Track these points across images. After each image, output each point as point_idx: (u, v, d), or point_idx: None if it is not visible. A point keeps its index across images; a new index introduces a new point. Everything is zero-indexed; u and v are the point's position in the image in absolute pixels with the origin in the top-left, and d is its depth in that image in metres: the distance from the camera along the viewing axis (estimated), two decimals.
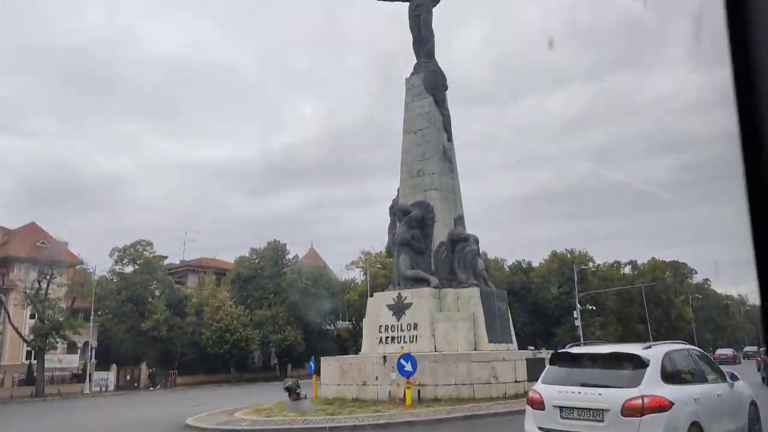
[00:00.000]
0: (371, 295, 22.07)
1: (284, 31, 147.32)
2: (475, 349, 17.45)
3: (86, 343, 54.05)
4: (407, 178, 21.04)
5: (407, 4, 22.58)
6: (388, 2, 23.22)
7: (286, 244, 65.81)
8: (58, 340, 45.08)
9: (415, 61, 22.31)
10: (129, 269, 56.59)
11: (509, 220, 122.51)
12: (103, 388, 49.53)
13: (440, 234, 19.71)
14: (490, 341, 17.97)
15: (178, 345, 56.14)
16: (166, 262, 67.50)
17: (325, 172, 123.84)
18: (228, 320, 55.77)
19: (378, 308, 19.28)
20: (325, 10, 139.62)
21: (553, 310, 65.22)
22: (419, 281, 18.91)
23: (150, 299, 55.68)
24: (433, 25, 22.28)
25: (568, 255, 67.09)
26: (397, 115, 22.03)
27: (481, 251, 21.15)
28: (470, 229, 20.88)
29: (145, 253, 57.38)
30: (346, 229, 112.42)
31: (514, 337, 19.84)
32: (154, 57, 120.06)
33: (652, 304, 73.27)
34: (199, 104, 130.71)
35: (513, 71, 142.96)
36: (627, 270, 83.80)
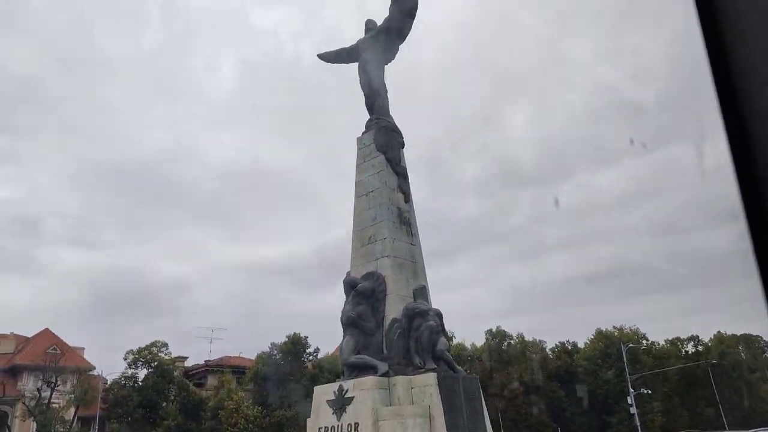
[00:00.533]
0: None
1: (330, 132, 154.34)
2: None
3: None
4: (359, 246, 18.28)
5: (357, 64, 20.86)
6: (340, 63, 21.62)
7: (307, 337, 62.70)
8: None
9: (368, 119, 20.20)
10: (143, 372, 54.46)
11: (559, 300, 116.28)
12: None
13: (394, 309, 16.51)
14: None
15: None
16: (191, 362, 65.34)
17: None
18: (243, 423, 52.06)
19: (319, 405, 15.90)
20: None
21: (605, 396, 58.27)
22: (365, 369, 15.55)
23: (164, 404, 52.86)
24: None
25: (616, 333, 60.79)
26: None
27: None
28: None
29: (160, 355, 55.35)
30: None
31: None
32: (213, 167, 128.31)
33: (721, 384, 64.84)
34: (255, 207, 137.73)
35: (559, 150, 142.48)
36: (689, 347, 75.55)
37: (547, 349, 65.46)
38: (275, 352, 60.22)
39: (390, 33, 20.54)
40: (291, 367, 58.42)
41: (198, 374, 64.30)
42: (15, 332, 51.83)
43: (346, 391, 15.13)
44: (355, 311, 16.52)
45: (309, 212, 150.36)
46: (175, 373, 56.08)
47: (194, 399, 55.82)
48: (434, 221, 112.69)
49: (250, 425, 51.88)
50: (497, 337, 60.43)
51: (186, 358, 64.95)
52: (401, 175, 19.12)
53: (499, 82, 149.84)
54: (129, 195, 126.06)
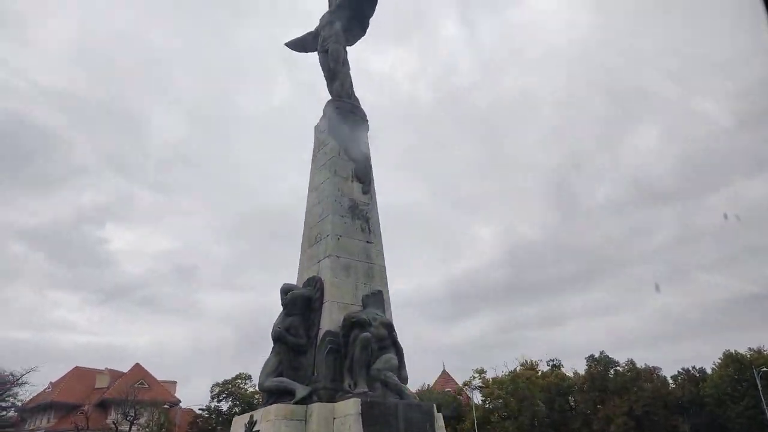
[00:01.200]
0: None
1: (452, 161, 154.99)
2: None
3: None
4: (306, 247, 15.49)
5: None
6: (302, 52, 19.29)
7: None
8: None
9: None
10: (226, 405, 54.51)
11: (715, 325, 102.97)
12: None
13: (331, 321, 13.41)
14: None
15: None
16: None
17: (509, 292, 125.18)
18: None
19: None
20: (489, 137, 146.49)
21: (738, 430, 48.58)
22: (283, 395, 12.51)
23: None
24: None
25: (748, 356, 50.85)
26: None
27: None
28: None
29: (243, 387, 55.21)
30: (532, 350, 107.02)
31: None
32: None
33: None
34: (385, 242, 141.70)
35: (698, 163, 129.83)
36: None
37: (668, 377, 56.44)
38: None
39: (345, 8, 17.92)
40: None
41: None
42: (111, 368, 54.54)
43: (255, 423, 12.17)
44: (283, 324, 13.61)
45: (436, 244, 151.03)
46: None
47: None
48: (570, 244, 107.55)
49: None
50: (601, 363, 53.06)
51: None
52: (359, 161, 16.10)
53: (622, 100, 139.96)
54: (269, 239, 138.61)
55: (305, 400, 12.15)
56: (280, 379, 12.72)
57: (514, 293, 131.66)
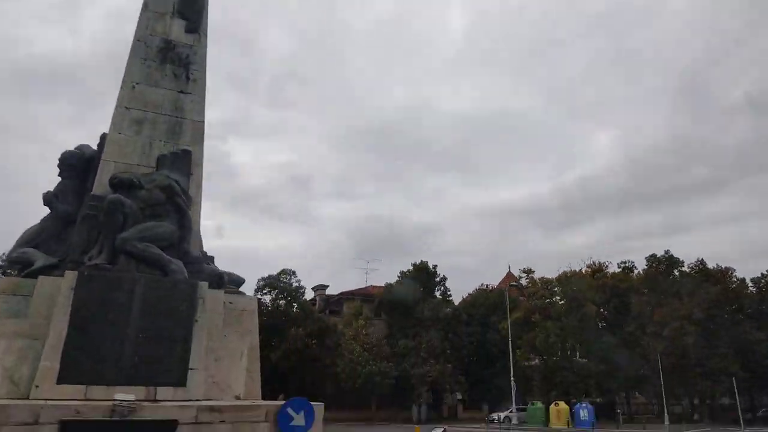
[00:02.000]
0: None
1: (569, 66, 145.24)
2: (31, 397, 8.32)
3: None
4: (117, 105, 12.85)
5: None
6: None
7: (436, 266, 57.58)
8: None
9: None
10: (269, 298, 55.83)
11: None
12: None
13: (104, 183, 10.99)
14: (64, 380, 8.62)
15: (317, 377, 52.41)
16: (336, 290, 65.44)
17: (627, 200, 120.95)
18: (358, 351, 50.06)
19: None
20: (613, 37, 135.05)
21: None
22: (27, 267, 10.49)
23: (290, 329, 53.43)
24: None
25: None
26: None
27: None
28: None
29: (284, 281, 55.99)
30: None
31: (199, 379, 9.58)
32: (450, 117, 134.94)
33: None
34: (493, 151, 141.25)
35: None
36: None
37: (747, 280, 49.57)
38: (403, 281, 56.57)
39: None
40: (415, 297, 54.25)
41: (334, 302, 64.44)
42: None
43: None
44: (58, 187, 11.47)
45: (549, 153, 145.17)
46: (304, 299, 56.34)
47: (321, 325, 55.62)
48: (693, 150, 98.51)
49: (366, 353, 49.64)
50: (663, 263, 47.29)
51: (327, 286, 65.52)
52: None
53: None
54: (379, 152, 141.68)
55: (43, 272, 10.07)
56: (26, 249, 10.69)
57: (633, 201, 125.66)
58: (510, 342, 45.80)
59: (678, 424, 44.62)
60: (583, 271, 56.43)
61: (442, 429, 46.35)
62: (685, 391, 44.28)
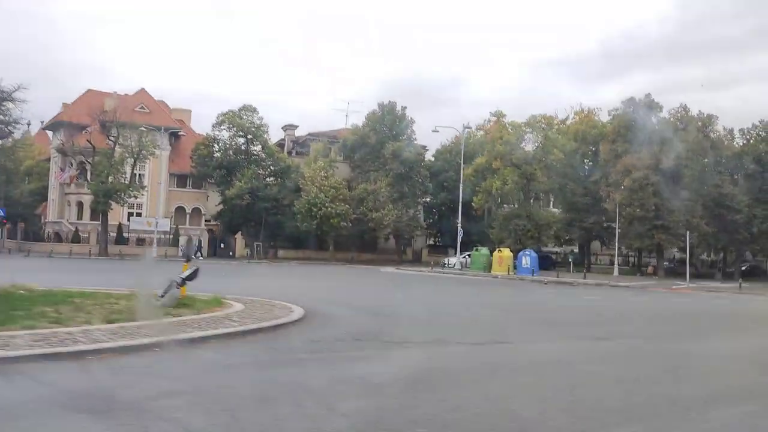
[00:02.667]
0: None
1: None
2: None
3: (179, 209, 54.20)
4: None
5: None
6: None
7: (405, 108, 53.86)
8: (119, 200, 45.30)
9: None
10: (228, 134, 53.58)
11: None
12: (198, 255, 48.49)
13: None
14: None
15: (278, 218, 51.77)
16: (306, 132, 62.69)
17: (672, 50, 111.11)
18: (315, 192, 48.63)
19: None
20: None
21: None
22: None
23: (250, 169, 51.76)
24: None
25: None
26: None
27: None
28: None
29: (244, 118, 53.22)
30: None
31: None
32: None
33: None
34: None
35: None
36: None
37: (735, 131, 45.27)
38: (369, 122, 53.30)
39: None
40: (379, 138, 51.41)
41: (303, 143, 62.01)
42: (119, 92, 54.68)
43: None
44: None
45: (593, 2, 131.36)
46: (266, 137, 53.92)
47: (283, 165, 53.83)
48: None
49: (322, 195, 48.20)
50: (641, 108, 42.92)
51: (296, 126, 62.64)
52: None
53: None
54: None
55: None
56: None
57: (677, 52, 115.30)
58: (461, 187, 43.61)
59: (631, 275, 43.60)
60: (571, 119, 52.46)
61: (394, 268, 46.69)
62: (642, 244, 42.44)
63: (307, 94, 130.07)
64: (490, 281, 34.07)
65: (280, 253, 53.00)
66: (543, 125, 46.67)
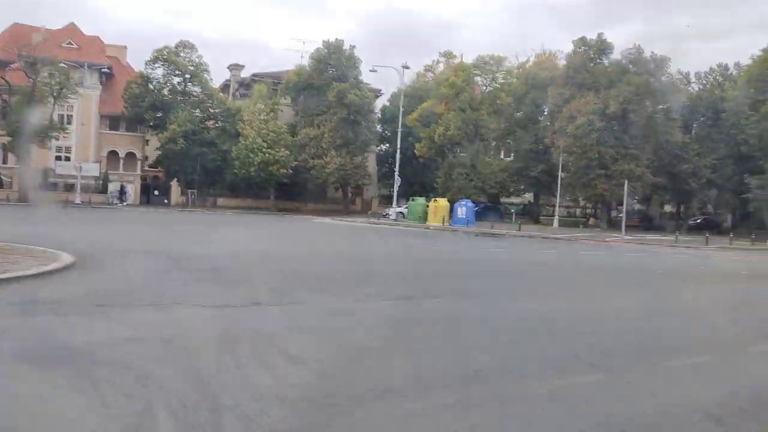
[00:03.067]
0: None
1: None
2: None
3: (112, 153, 51.41)
4: None
5: None
6: None
7: (354, 47, 50.62)
8: (39, 143, 42.48)
9: None
10: (161, 72, 50.26)
11: None
12: (115, 201, 46.28)
13: None
14: None
15: (219, 164, 49.17)
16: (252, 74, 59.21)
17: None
18: (252, 137, 46.04)
19: None
20: None
21: (752, 148, 37.23)
22: None
23: (185, 111, 48.78)
24: None
25: None
26: None
27: None
28: None
29: (182, 55, 49.81)
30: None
31: None
32: None
33: None
34: None
35: None
36: None
37: (692, 75, 42.95)
38: (314, 62, 50.11)
39: None
40: (326, 80, 48.44)
41: (247, 85, 58.81)
42: (48, 27, 50.86)
43: None
44: None
45: None
46: (205, 76, 50.63)
47: (222, 107, 50.86)
48: None
49: (259, 140, 45.60)
50: (593, 50, 40.29)
51: (242, 67, 59.28)
52: None
53: None
54: None
55: None
56: None
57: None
58: (399, 134, 41.26)
59: (574, 227, 42.01)
60: (531, 62, 49.62)
61: (330, 219, 44.75)
62: (585, 194, 40.69)
63: (275, 34, 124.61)
64: (414, 232, 32.28)
65: (221, 201, 50.77)
66: (492, 67, 43.91)
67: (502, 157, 49.11)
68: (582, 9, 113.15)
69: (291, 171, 47.73)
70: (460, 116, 41.54)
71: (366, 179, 52.12)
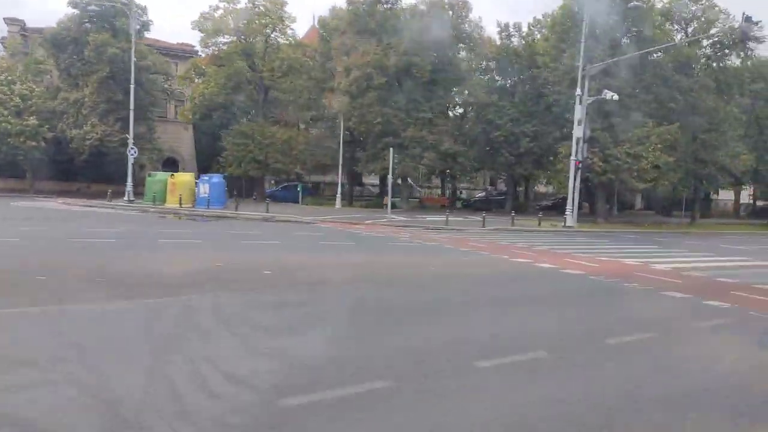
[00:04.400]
0: None
1: None
2: None
3: None
4: None
5: None
6: None
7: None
8: None
9: None
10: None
11: None
12: None
13: None
14: None
15: None
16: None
17: None
18: None
19: None
20: None
21: (562, 109, 31.19)
22: None
23: None
24: None
25: None
26: None
27: None
28: None
29: None
30: None
31: None
32: None
33: None
34: None
35: None
36: None
37: (510, 28, 36.43)
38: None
39: None
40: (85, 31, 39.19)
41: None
42: None
43: None
44: None
45: None
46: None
47: None
48: None
49: (1, 107, 36.15)
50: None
51: (22, 21, 48.91)
52: None
53: None
54: None
55: None
56: None
57: None
58: (132, 89, 32.92)
59: (375, 208, 35.11)
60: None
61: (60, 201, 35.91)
62: (375, 166, 33.69)
63: None
64: (123, 217, 24.42)
65: None
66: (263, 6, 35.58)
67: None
68: None
69: (44, 144, 38.53)
70: (223, 72, 33.50)
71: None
